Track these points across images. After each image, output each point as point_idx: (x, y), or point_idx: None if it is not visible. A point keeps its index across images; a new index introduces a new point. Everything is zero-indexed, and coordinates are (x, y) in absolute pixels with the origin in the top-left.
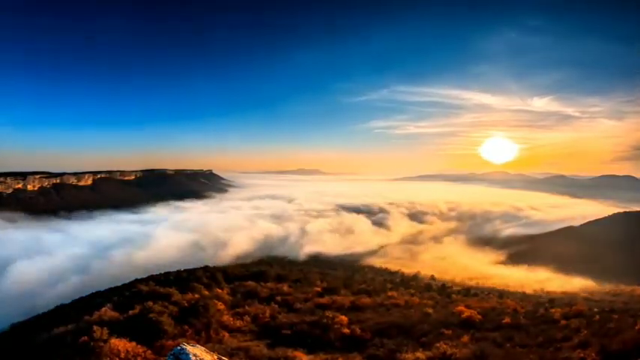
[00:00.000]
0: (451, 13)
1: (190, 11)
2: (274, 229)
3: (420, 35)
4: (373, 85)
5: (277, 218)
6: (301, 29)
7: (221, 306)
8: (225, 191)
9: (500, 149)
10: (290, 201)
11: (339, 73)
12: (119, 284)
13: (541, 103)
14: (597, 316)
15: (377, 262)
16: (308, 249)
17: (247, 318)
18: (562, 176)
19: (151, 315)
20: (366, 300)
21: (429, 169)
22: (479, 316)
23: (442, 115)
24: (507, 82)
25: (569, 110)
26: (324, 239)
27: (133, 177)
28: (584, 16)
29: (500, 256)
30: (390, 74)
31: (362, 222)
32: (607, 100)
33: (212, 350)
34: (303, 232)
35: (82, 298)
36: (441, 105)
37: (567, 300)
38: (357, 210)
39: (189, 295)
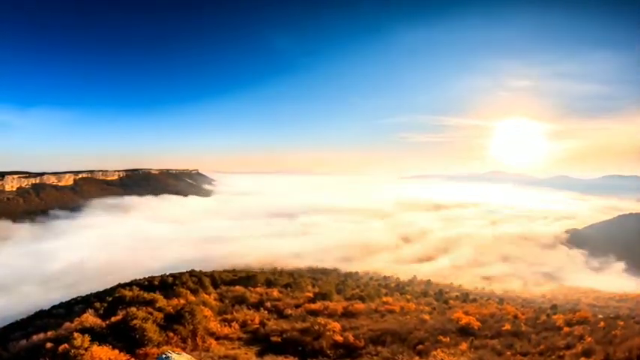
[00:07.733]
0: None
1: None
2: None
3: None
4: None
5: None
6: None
7: (208, 312)
8: (209, 192)
9: (502, 152)
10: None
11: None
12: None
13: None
14: (602, 323)
15: (371, 266)
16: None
17: (235, 324)
18: (565, 176)
19: (135, 321)
20: (359, 306)
21: (431, 170)
22: (478, 323)
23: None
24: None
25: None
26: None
27: (116, 177)
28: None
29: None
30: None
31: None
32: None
33: (198, 358)
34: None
35: (61, 304)
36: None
37: (570, 306)
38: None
39: (175, 301)
